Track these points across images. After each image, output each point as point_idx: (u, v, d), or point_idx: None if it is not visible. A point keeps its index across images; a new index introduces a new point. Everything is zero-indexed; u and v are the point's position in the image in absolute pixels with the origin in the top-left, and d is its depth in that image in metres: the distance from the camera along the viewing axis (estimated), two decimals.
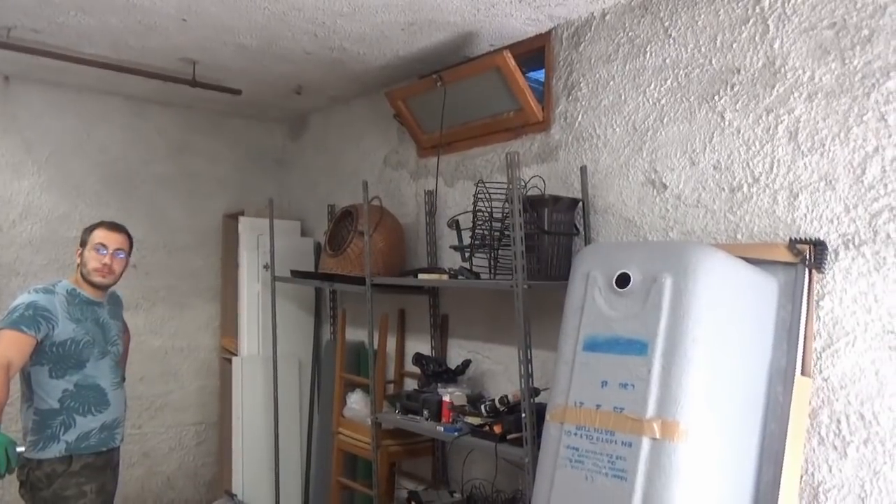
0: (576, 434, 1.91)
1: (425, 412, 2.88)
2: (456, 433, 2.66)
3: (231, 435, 3.98)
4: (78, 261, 2.47)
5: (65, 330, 2.31)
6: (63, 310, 2.33)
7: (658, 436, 1.75)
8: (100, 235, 2.46)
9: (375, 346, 3.22)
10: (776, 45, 2.14)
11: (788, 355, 2.01)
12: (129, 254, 2.55)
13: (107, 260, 2.44)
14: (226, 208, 4.49)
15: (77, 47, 3.15)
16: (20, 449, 2.18)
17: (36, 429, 2.30)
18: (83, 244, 2.47)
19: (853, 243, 1.97)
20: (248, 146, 4.62)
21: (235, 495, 3.75)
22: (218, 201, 4.48)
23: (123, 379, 2.62)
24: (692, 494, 1.72)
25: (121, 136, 4.12)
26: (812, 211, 2.05)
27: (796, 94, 2.09)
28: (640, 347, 1.85)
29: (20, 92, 3.76)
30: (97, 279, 2.44)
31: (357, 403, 3.37)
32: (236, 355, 4.02)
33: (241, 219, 4.08)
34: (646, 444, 1.76)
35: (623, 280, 1.93)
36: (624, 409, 1.83)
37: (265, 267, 3.91)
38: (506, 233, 2.60)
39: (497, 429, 2.54)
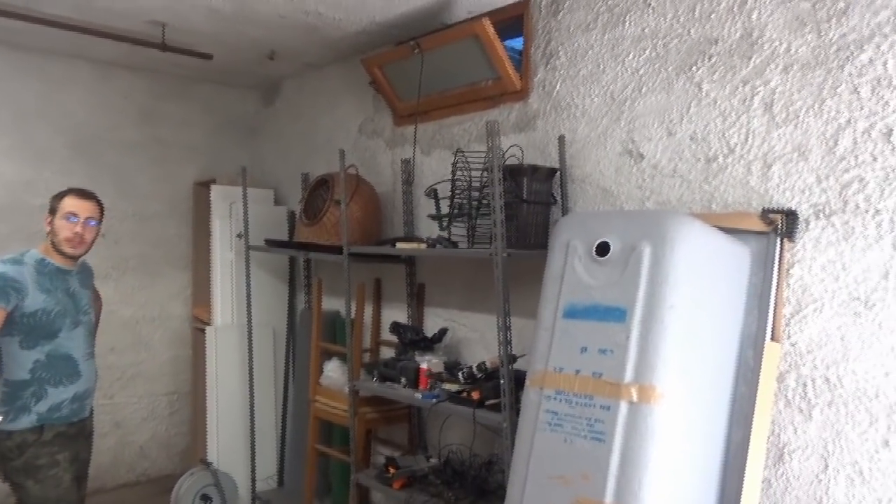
0: (555, 398, 1.95)
1: (403, 379, 2.90)
2: (434, 399, 2.70)
3: (205, 404, 3.97)
4: (48, 229, 2.40)
5: (35, 300, 2.26)
6: (32, 280, 2.28)
7: (635, 399, 1.80)
8: (70, 204, 2.39)
9: (352, 315, 3.22)
10: (754, 17, 2.16)
11: (759, 321, 2.07)
12: (100, 222, 2.50)
13: (78, 229, 2.39)
14: (197, 176, 4.41)
15: (37, 7, 3.02)
16: None
17: (6, 400, 2.27)
18: (52, 212, 2.40)
19: (823, 213, 2.03)
20: (219, 113, 4.53)
21: (211, 463, 3.75)
22: (189, 169, 4.40)
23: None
24: (667, 454, 1.78)
25: (87, 100, 4.01)
26: (785, 181, 2.10)
27: (773, 66, 2.13)
28: (619, 314, 1.88)
29: None
30: (68, 249, 2.39)
31: (334, 372, 3.38)
32: (209, 325, 3.99)
33: (213, 187, 4.01)
34: (623, 407, 1.81)
35: (603, 248, 1.96)
36: (603, 375, 1.87)
37: (238, 236, 3.87)
38: (484, 202, 2.61)
39: (475, 395, 2.58)
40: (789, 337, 2.10)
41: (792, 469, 2.09)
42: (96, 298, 2.65)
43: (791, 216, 2.07)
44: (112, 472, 4.14)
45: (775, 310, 2.08)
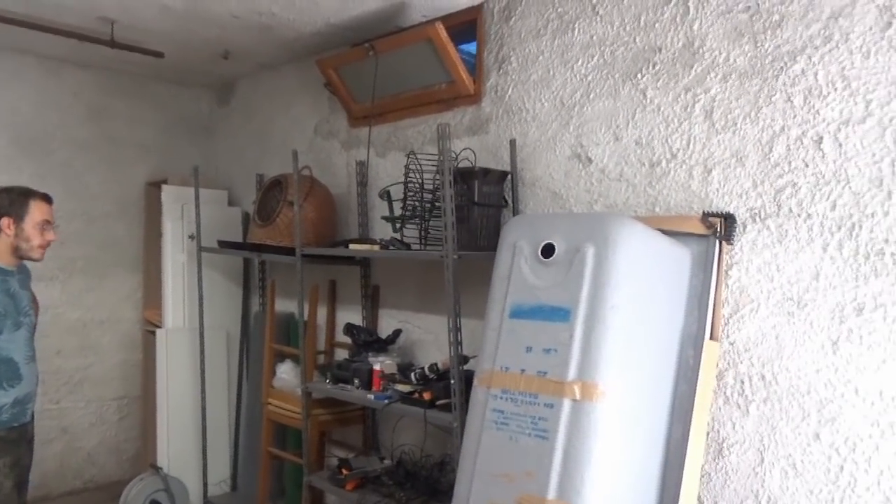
0: (501, 397, 1.98)
1: (356, 381, 2.91)
2: (386, 400, 2.71)
3: (155, 409, 3.90)
4: (10, 231, 2.34)
5: None
6: None
7: (578, 397, 1.85)
8: (43, 211, 2.40)
9: (306, 317, 3.21)
10: (695, 27, 2.24)
11: (699, 321, 2.14)
12: None
13: (51, 237, 2.42)
14: (149, 176, 4.34)
15: None
16: None
17: None
18: (15, 217, 2.33)
19: (759, 217, 2.11)
20: (172, 112, 4.46)
21: (161, 468, 3.69)
22: (140, 168, 4.33)
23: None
24: (609, 451, 1.83)
25: (34, 97, 3.91)
26: (724, 186, 2.18)
27: (712, 75, 2.20)
28: (563, 314, 1.93)
29: None
30: (38, 256, 2.42)
31: (286, 374, 3.37)
32: (160, 327, 3.93)
33: (165, 187, 3.95)
34: (567, 405, 1.85)
35: (548, 250, 2.01)
36: (547, 373, 1.91)
37: (190, 237, 3.82)
38: (436, 204, 2.64)
39: (427, 395, 2.60)
40: (728, 336, 2.17)
41: (730, 463, 2.16)
42: (34, 301, 2.58)
43: (729, 219, 2.14)
44: (58, 479, 4.03)
45: (714, 310, 2.15)
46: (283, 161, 3.71)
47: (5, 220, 2.34)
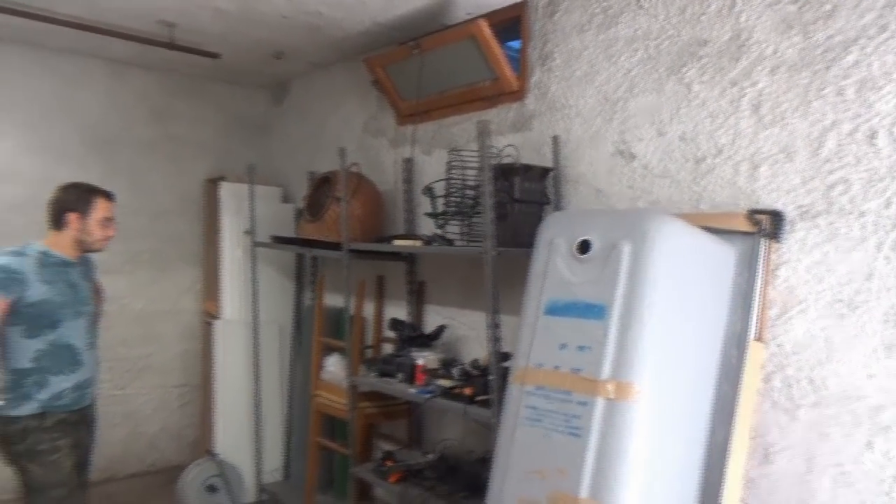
0: (535, 394, 1.98)
1: (399, 375, 2.95)
2: (428, 395, 2.74)
3: (213, 397, 4.05)
4: (74, 226, 2.47)
5: (36, 291, 2.34)
6: (34, 272, 2.35)
7: (612, 396, 1.82)
8: (105, 208, 2.54)
9: (352, 311, 3.27)
10: (742, 19, 2.17)
11: (744, 321, 2.08)
12: None
13: (111, 232, 2.56)
14: (208, 173, 4.50)
15: (52, 7, 3.13)
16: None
17: (10, 387, 2.35)
18: (81, 212, 2.47)
19: (809, 214, 2.03)
20: (230, 111, 4.62)
21: (217, 454, 3.83)
22: (200, 166, 4.50)
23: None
24: (644, 451, 1.80)
25: (102, 98, 4.12)
26: (771, 182, 2.11)
27: (760, 68, 2.13)
28: (598, 311, 1.91)
29: None
30: (99, 247, 2.56)
31: (333, 366, 3.44)
32: (218, 319, 4.07)
33: (223, 184, 4.10)
34: (600, 403, 1.83)
35: (584, 246, 1.99)
36: (581, 371, 1.89)
37: (246, 232, 3.95)
38: (479, 201, 2.64)
39: (467, 391, 2.62)
40: (775, 338, 2.10)
41: (777, 469, 2.09)
42: (98, 292, 2.72)
43: (777, 217, 2.07)
44: (123, 462, 4.25)
45: (760, 310, 2.08)
46: (334, 158, 3.76)
47: (72, 216, 2.47)
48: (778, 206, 2.09)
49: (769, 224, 2.07)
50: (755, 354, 2.06)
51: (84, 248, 2.53)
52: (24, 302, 2.32)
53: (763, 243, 2.08)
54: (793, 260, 2.07)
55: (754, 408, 2.09)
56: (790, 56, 2.06)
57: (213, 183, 4.36)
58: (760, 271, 2.08)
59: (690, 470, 1.98)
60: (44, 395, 2.37)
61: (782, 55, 2.08)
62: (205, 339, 4.44)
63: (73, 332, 2.44)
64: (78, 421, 2.48)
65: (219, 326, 4.01)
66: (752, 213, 2.10)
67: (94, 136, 4.09)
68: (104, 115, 4.13)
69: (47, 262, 2.42)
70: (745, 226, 2.11)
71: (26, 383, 2.35)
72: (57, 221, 2.47)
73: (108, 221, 2.55)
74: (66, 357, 2.42)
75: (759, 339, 2.09)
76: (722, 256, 2.07)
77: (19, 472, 2.37)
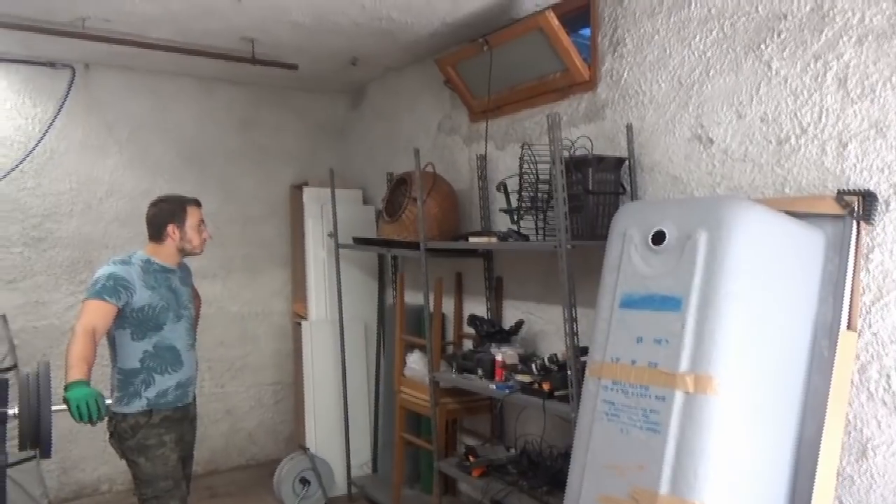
0: (612, 389, 1.95)
1: (479, 371, 2.98)
2: (507, 390, 2.75)
3: (305, 394, 4.22)
4: (175, 235, 2.64)
5: (142, 297, 2.52)
6: (139, 278, 2.54)
7: (691, 390, 1.77)
8: (196, 213, 2.70)
9: (431, 309, 3.33)
10: None
11: (835, 309, 1.97)
12: None
13: (206, 235, 2.73)
14: (293, 179, 4.69)
15: (145, 32, 3.35)
16: (108, 401, 2.43)
17: (120, 386, 2.55)
18: (178, 222, 2.64)
19: None
20: (310, 118, 4.79)
21: (308, 449, 3.99)
22: (285, 172, 4.69)
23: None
24: (725, 446, 1.74)
25: (194, 113, 4.37)
26: (862, 161, 1.98)
27: (845, 39, 2.00)
28: (674, 304, 1.86)
29: (99, 77, 4.04)
30: (199, 251, 2.72)
31: (416, 363, 3.50)
32: (306, 319, 4.24)
33: (305, 189, 4.26)
34: (679, 397, 1.79)
35: (658, 237, 1.94)
36: (658, 364, 1.85)
37: (329, 235, 4.08)
38: (552, 194, 2.62)
39: (546, 386, 2.61)
40: (870, 326, 1.98)
41: (876, 465, 1.97)
42: (196, 296, 2.90)
43: (869, 197, 1.94)
44: (225, 456, 4.51)
45: (852, 297, 1.96)
46: (410, 159, 3.83)
47: (171, 227, 2.65)
48: (870, 185, 1.96)
49: (860, 205, 1.94)
50: (847, 344, 1.95)
51: (185, 254, 2.69)
52: (131, 307, 2.50)
53: (854, 226, 1.96)
54: (888, 242, 1.93)
55: (848, 401, 1.98)
56: (878, 24, 1.93)
57: (297, 188, 4.54)
58: (852, 256, 1.96)
59: (779, 465, 1.90)
60: (150, 393, 2.55)
61: (869, 23, 1.94)
62: (295, 339, 4.63)
63: (174, 333, 2.62)
64: (181, 417, 2.65)
65: (306, 327, 4.17)
66: (842, 195, 1.98)
67: (188, 150, 4.35)
68: (196, 129, 4.38)
69: (150, 269, 2.60)
70: (833, 208, 1.99)
71: (135, 382, 2.54)
72: (158, 235, 2.65)
73: (201, 225, 2.71)
74: (169, 357, 2.60)
75: (851, 327, 1.97)
76: (809, 242, 1.97)
77: (131, 465, 2.56)
